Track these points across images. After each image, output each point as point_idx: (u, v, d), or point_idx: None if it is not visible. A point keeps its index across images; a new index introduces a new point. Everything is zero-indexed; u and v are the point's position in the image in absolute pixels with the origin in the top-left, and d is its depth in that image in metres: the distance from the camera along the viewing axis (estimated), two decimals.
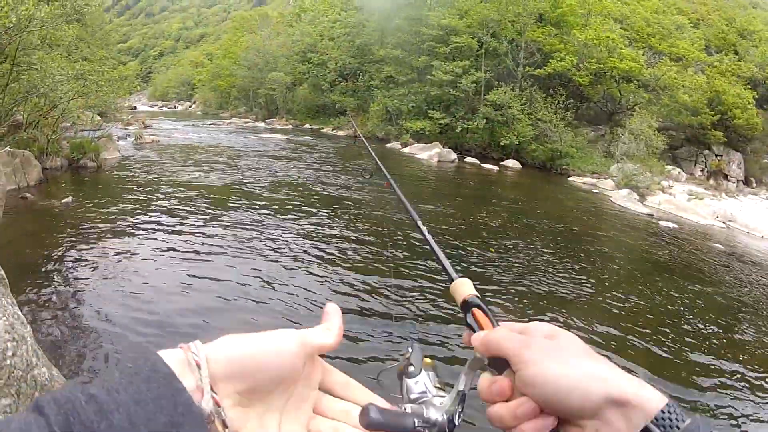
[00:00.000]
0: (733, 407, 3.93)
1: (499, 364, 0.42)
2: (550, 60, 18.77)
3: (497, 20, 19.58)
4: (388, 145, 18.86)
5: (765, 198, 20.28)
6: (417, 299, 4.64)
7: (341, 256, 5.61)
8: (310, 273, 4.97)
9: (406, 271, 5.30)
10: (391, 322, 4.03)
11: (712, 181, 19.35)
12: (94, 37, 17.74)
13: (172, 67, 38.07)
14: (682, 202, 17.97)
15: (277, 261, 5.17)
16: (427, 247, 0.74)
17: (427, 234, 0.78)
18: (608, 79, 19.04)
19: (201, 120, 24.87)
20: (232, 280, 4.47)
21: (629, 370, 2.79)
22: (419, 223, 0.87)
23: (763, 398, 4.17)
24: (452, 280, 0.58)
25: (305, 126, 21.71)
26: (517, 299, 5.19)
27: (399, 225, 7.44)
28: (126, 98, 17.02)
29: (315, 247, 5.78)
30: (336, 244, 6.00)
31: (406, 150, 18.24)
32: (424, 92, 18.74)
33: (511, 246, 7.42)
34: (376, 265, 5.54)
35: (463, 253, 6.59)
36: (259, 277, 4.65)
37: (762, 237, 17.76)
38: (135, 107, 29.20)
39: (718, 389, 4.16)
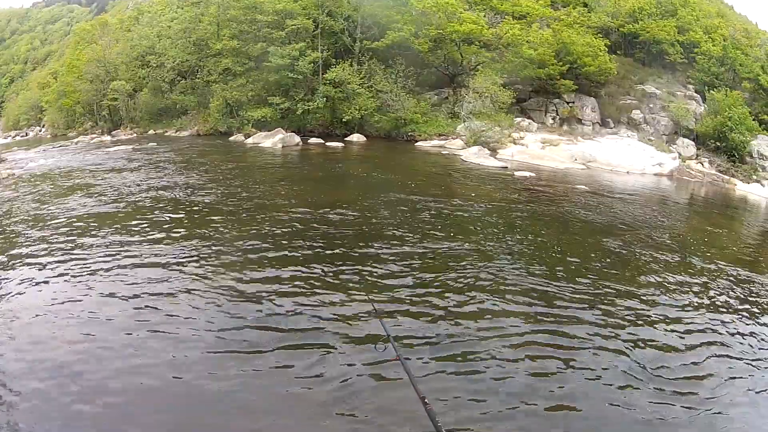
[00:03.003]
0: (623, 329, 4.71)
1: None
2: (388, 32, 20.29)
3: None
4: (231, 138, 19.58)
5: (626, 135, 22.57)
6: None
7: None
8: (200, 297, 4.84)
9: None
10: None
11: (565, 127, 21.39)
12: None
13: (21, 92, 37.58)
14: (536, 150, 19.71)
15: (154, 290, 4.99)
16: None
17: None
18: (448, 44, 20.75)
19: (50, 144, 24.74)
20: (112, 318, 4.40)
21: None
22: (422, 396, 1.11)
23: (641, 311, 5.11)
24: None
25: (149, 132, 22.22)
26: (386, 277, 5.39)
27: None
28: None
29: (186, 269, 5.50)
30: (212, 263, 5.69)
31: (250, 140, 19.02)
32: (263, 79, 19.78)
33: (367, 223, 7.56)
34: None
35: (312, 235, 6.66)
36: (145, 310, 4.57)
37: (627, 172, 19.81)
38: None
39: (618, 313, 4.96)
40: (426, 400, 1.05)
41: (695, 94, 24.63)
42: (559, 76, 21.41)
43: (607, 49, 23.21)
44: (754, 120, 22.25)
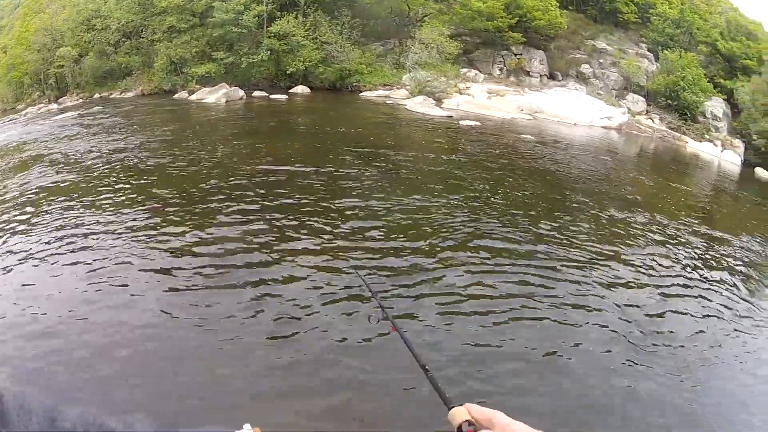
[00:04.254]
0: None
1: None
2: None
3: None
4: (176, 96, 19.52)
5: (574, 88, 22.92)
6: None
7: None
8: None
9: None
10: None
11: (512, 79, 21.69)
12: None
13: None
14: (482, 100, 19.93)
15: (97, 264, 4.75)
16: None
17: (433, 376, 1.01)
18: None
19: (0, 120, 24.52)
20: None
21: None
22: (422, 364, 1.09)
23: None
24: (449, 408, 0.72)
25: (95, 96, 22.10)
26: (358, 232, 5.48)
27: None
28: None
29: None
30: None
31: (194, 97, 18.98)
32: (207, 35, 19.78)
33: (313, 175, 7.58)
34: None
35: (258, 191, 6.67)
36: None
37: (575, 124, 20.08)
38: None
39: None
40: (426, 368, 1.05)
41: (648, 53, 25.08)
42: (507, 29, 21.66)
43: (558, 4, 23.55)
44: (708, 82, 22.81)
